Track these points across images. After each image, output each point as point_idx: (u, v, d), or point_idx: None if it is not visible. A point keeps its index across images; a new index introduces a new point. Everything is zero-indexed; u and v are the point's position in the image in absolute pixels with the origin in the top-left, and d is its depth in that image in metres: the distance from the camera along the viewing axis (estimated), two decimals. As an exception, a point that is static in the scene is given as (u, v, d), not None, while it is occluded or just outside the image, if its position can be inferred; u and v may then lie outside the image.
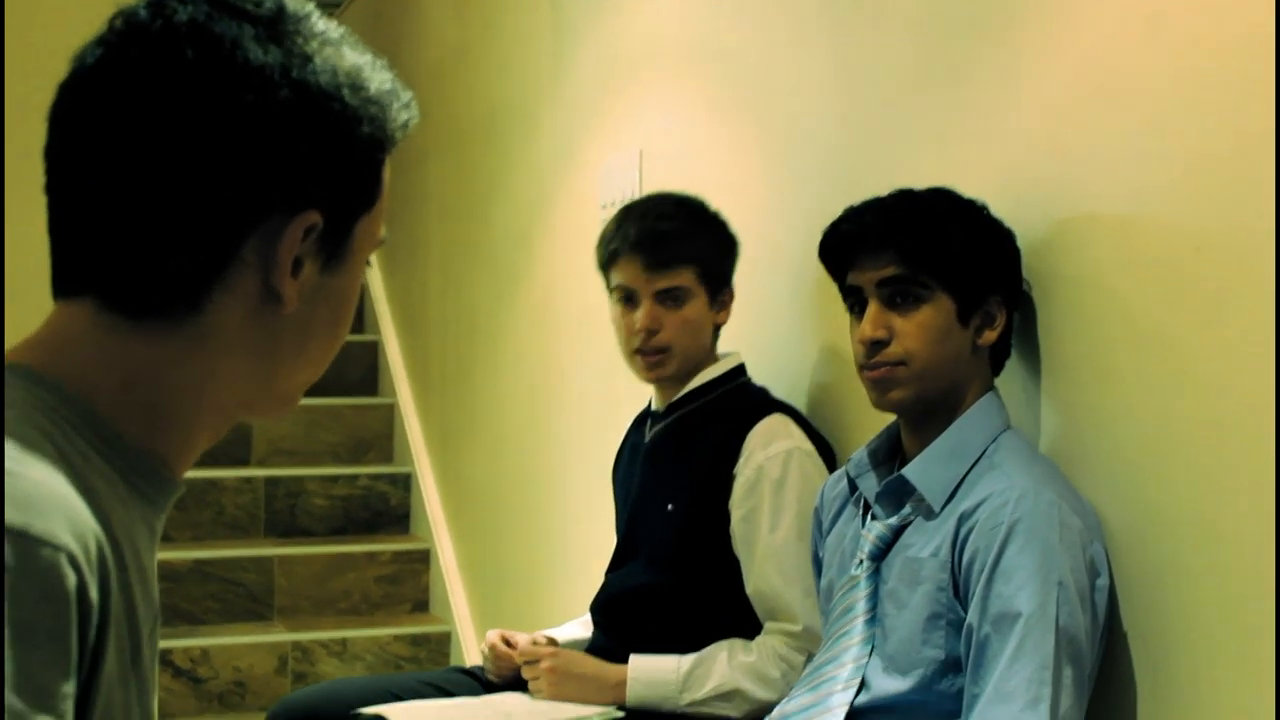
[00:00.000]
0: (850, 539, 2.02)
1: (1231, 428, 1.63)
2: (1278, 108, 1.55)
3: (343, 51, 1.01)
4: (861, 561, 1.95)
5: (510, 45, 4.25)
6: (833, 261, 2.00)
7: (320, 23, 1.00)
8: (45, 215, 0.98)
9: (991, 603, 1.73)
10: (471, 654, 4.48)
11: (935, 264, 1.89)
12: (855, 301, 1.97)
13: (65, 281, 0.98)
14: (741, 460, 2.38)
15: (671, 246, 2.46)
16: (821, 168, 2.54)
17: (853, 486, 2.05)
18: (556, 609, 3.62)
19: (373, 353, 5.77)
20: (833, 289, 2.05)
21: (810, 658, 2.21)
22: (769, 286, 2.70)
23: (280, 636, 4.59)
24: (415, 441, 5.26)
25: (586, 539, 3.53)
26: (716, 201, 2.62)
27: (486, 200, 4.47)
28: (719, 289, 2.51)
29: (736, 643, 2.36)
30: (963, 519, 1.81)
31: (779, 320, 2.68)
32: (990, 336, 1.92)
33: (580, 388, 3.64)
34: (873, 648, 1.92)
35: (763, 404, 2.45)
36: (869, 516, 1.98)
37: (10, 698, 0.78)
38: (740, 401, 2.47)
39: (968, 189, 1.96)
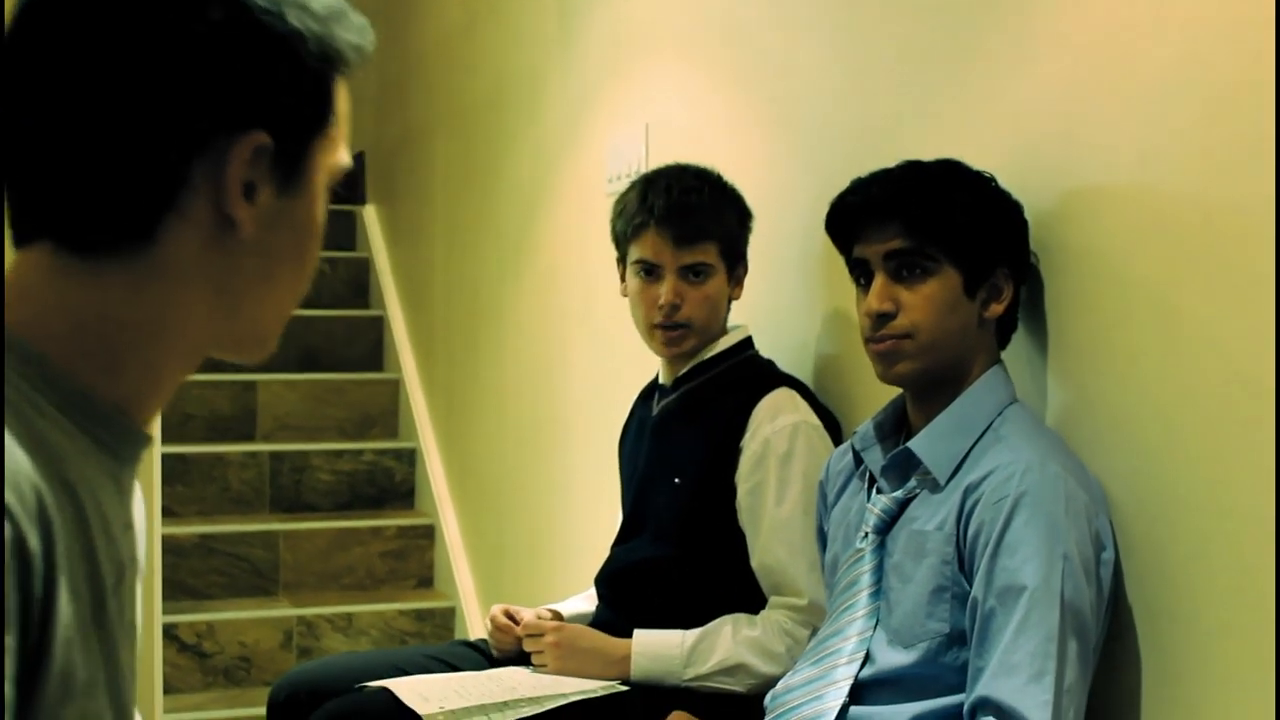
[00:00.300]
0: (855, 512, 2.01)
1: (1239, 400, 1.63)
2: (1288, 78, 1.54)
3: None
4: (866, 535, 1.95)
5: (516, 20, 4.24)
6: (839, 234, 1.99)
7: None
8: None
9: (997, 576, 1.72)
10: (476, 628, 4.48)
11: (941, 236, 1.88)
12: (862, 274, 1.96)
13: (20, 229, 0.96)
14: (748, 434, 2.37)
15: (699, 221, 2.45)
16: (828, 140, 2.53)
17: (858, 460, 2.04)
18: (561, 583, 3.62)
19: (378, 328, 5.77)
20: (839, 261, 2.04)
21: (815, 632, 2.21)
22: (776, 259, 2.69)
23: (285, 611, 4.60)
24: (420, 417, 5.26)
25: (591, 513, 3.53)
26: (723, 174, 2.61)
27: (492, 175, 4.46)
28: (736, 264, 2.51)
29: (741, 617, 2.36)
30: (968, 492, 1.80)
31: (786, 293, 2.67)
32: (997, 309, 1.91)
33: (585, 362, 3.63)
34: (877, 621, 1.91)
35: (770, 377, 2.45)
36: (874, 490, 1.98)
37: None
38: (747, 375, 2.46)
39: (976, 161, 1.95)
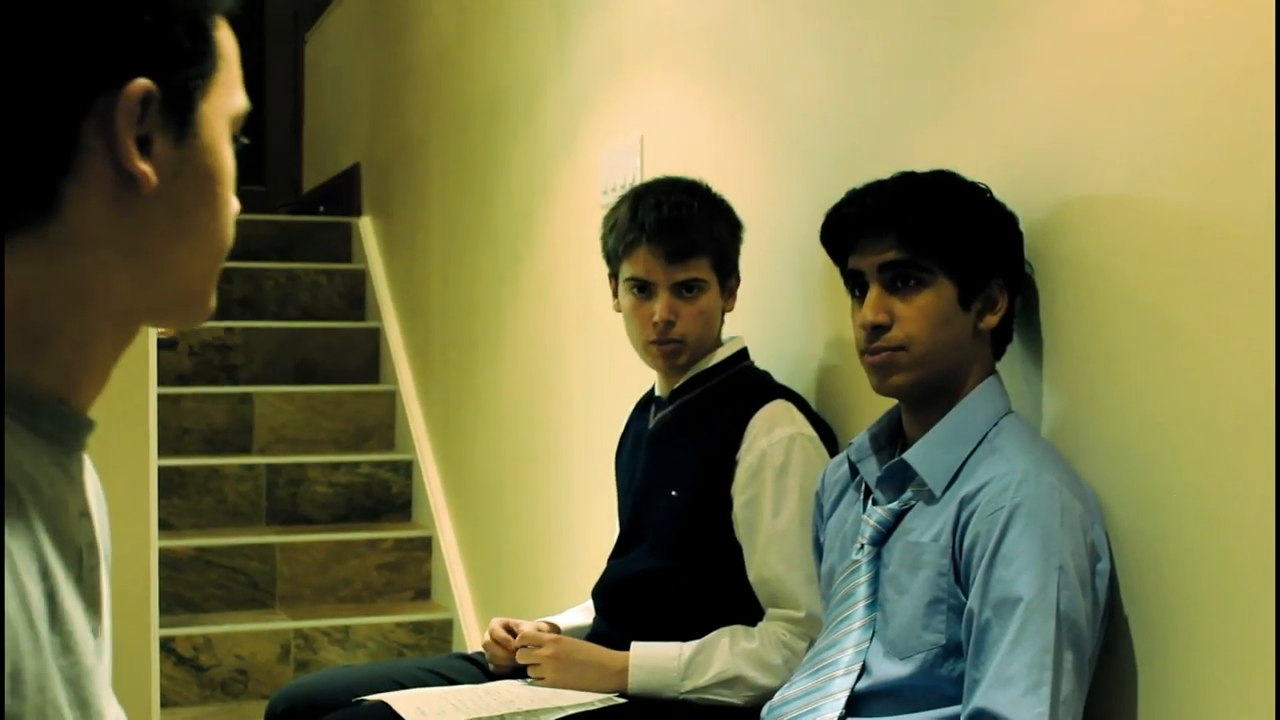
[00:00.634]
0: (851, 524, 2.01)
1: (1233, 410, 1.63)
2: (1278, 88, 1.54)
3: None
4: (862, 546, 1.95)
5: (512, 32, 4.25)
6: (834, 245, 2.00)
7: None
8: None
9: (992, 587, 1.72)
10: (473, 641, 4.48)
11: (936, 247, 1.88)
12: (856, 285, 1.96)
13: None
14: (744, 446, 2.37)
15: (690, 236, 2.44)
16: (823, 151, 2.54)
17: (854, 471, 2.04)
18: (558, 595, 3.62)
19: (374, 340, 5.77)
20: (835, 273, 2.04)
21: (812, 644, 2.21)
22: (771, 270, 2.70)
23: (282, 624, 4.60)
24: (417, 428, 5.26)
25: (588, 525, 3.53)
26: (718, 187, 2.61)
27: (488, 187, 4.46)
28: (728, 276, 2.51)
29: (738, 629, 2.36)
30: (964, 503, 1.80)
31: (781, 304, 2.68)
32: (991, 320, 1.92)
33: (581, 373, 3.64)
34: (874, 633, 1.91)
35: (765, 389, 2.45)
36: (870, 501, 1.98)
37: None
38: (743, 386, 2.46)
39: (970, 172, 1.95)
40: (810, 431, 2.39)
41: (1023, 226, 1.93)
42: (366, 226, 6.21)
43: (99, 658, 0.95)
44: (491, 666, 2.57)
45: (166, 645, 4.32)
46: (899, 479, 1.93)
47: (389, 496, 5.24)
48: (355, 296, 6.04)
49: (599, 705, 2.36)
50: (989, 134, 2.06)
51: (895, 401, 2.01)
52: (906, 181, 1.94)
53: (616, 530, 2.64)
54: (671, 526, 2.44)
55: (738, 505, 2.37)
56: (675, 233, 2.43)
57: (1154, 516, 1.75)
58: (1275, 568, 1.55)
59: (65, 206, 0.91)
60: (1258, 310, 1.59)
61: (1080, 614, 1.70)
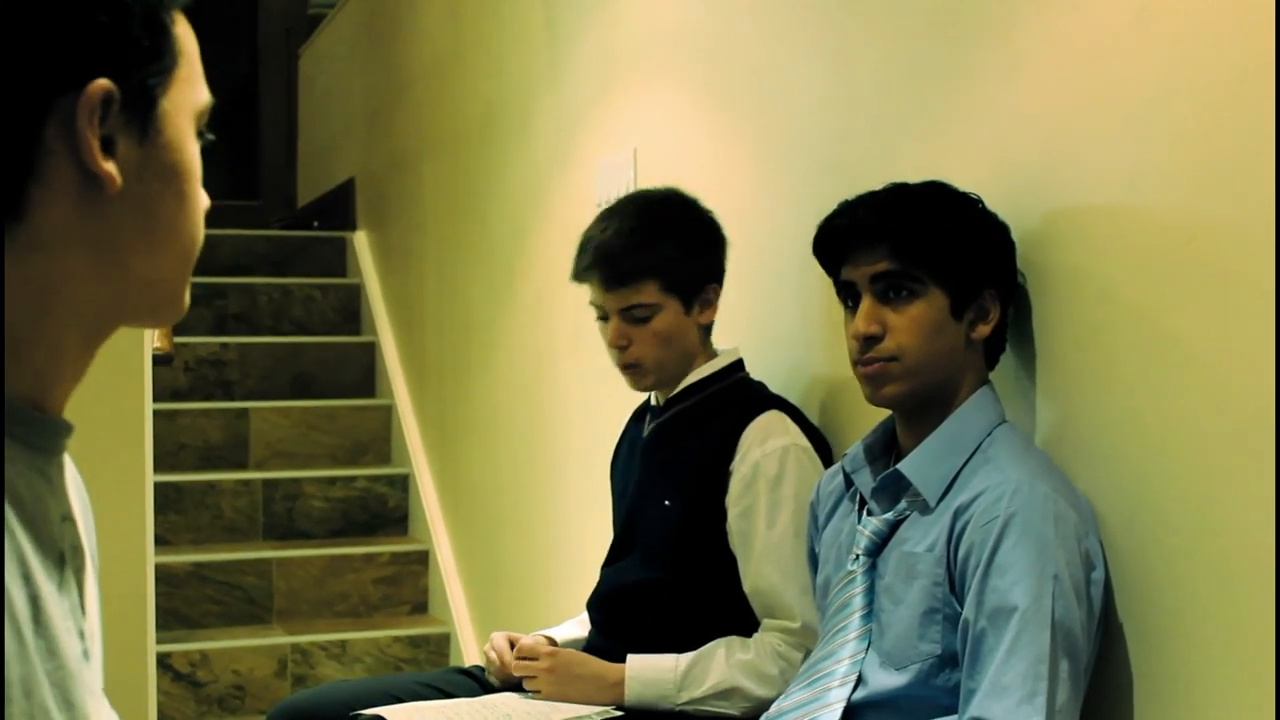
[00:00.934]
0: (846, 534, 2.02)
1: (1228, 418, 1.63)
2: (1277, 96, 1.55)
3: None
4: (858, 557, 1.95)
5: (505, 45, 4.25)
6: (827, 256, 2.00)
7: None
8: None
9: (987, 597, 1.72)
10: (471, 655, 4.48)
11: (927, 258, 1.89)
12: (849, 296, 1.97)
13: None
14: (738, 457, 2.37)
15: (626, 265, 2.42)
16: (816, 163, 2.54)
17: (848, 481, 2.05)
18: (555, 608, 3.62)
19: (369, 354, 5.77)
20: (828, 284, 2.05)
21: (808, 654, 2.21)
22: (764, 281, 2.70)
23: (279, 639, 4.59)
24: (413, 442, 5.26)
25: (585, 538, 3.53)
26: (711, 198, 2.62)
27: (482, 200, 4.47)
28: (693, 292, 2.47)
29: (734, 640, 2.36)
30: (958, 513, 1.81)
31: (775, 315, 2.68)
32: (984, 330, 1.92)
33: (576, 386, 3.64)
34: (869, 643, 1.92)
35: (759, 400, 2.45)
36: (865, 512, 1.98)
37: None
38: (737, 397, 2.46)
39: (962, 182, 1.96)
40: (804, 442, 2.39)
41: (1015, 236, 1.94)
42: (361, 241, 6.21)
43: (85, 660, 0.94)
44: (492, 679, 2.57)
45: (163, 661, 4.31)
46: (894, 489, 1.94)
47: (385, 511, 5.23)
48: (350, 311, 6.04)
49: (596, 718, 2.36)
50: (981, 144, 2.07)
51: (890, 412, 2.01)
52: (898, 192, 1.95)
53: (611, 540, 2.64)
54: (665, 536, 2.44)
55: (732, 516, 2.37)
56: (610, 262, 2.43)
57: (1148, 525, 1.75)
58: (1275, 577, 1.56)
59: (30, 210, 0.91)
60: (1251, 318, 1.59)
61: (1075, 623, 1.70)
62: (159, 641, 3.55)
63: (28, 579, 0.88)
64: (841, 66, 2.46)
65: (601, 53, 3.50)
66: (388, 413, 5.50)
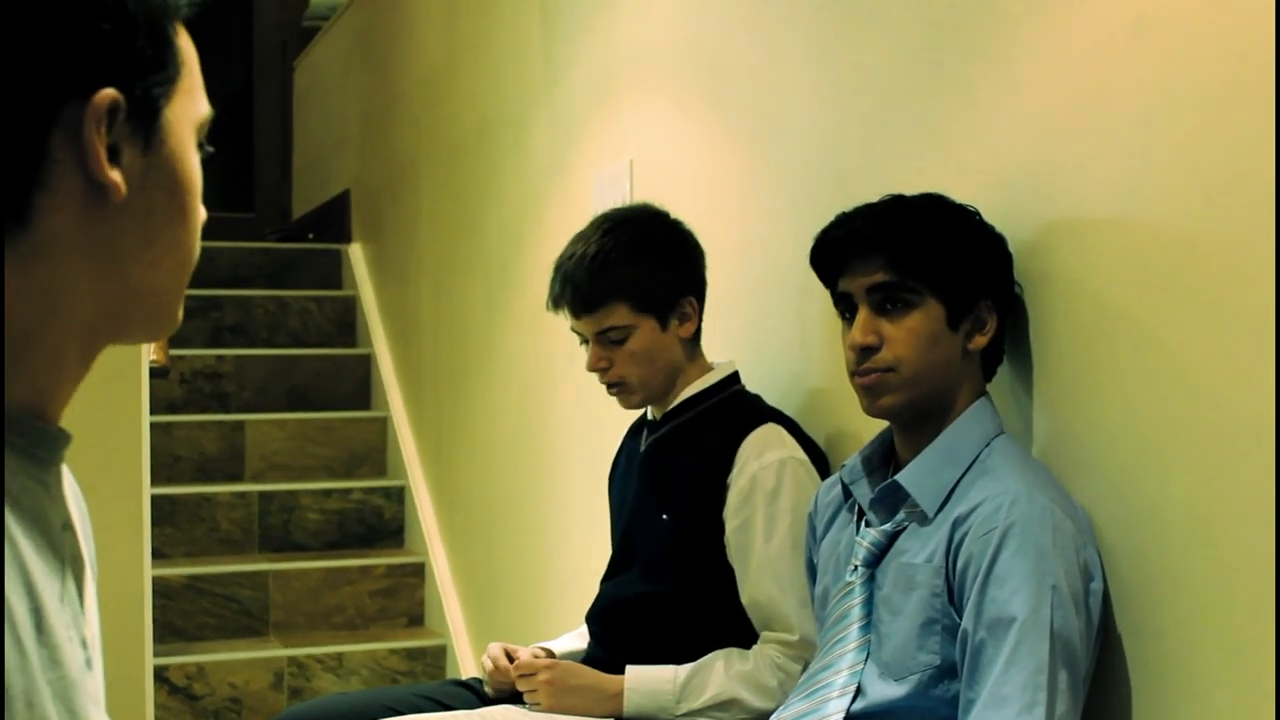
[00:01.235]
0: (845, 545, 2.02)
1: (1225, 429, 1.63)
2: (1276, 107, 1.55)
3: None
4: (856, 568, 1.95)
5: (501, 57, 4.26)
6: (824, 268, 2.00)
7: None
8: None
9: (986, 608, 1.73)
10: (467, 667, 4.47)
11: (923, 269, 1.89)
12: (846, 308, 1.97)
13: None
14: (735, 470, 2.37)
15: (592, 291, 2.43)
16: (813, 174, 2.54)
17: (847, 493, 2.05)
18: (552, 620, 3.62)
19: (365, 366, 5.77)
20: (825, 296, 2.05)
21: (807, 666, 2.21)
22: (761, 293, 2.70)
23: (276, 652, 4.59)
24: (408, 454, 5.26)
25: (581, 550, 3.53)
26: (707, 210, 2.62)
27: (478, 212, 4.47)
28: (667, 308, 2.47)
29: (733, 652, 2.36)
30: (957, 524, 1.81)
31: (772, 327, 2.68)
32: (981, 341, 1.92)
33: (573, 398, 3.64)
34: (868, 654, 1.92)
35: (756, 413, 2.45)
36: (863, 523, 1.98)
37: None
38: (734, 410, 2.47)
39: (959, 194, 1.96)
40: (801, 454, 2.39)
41: (1012, 247, 1.94)
42: (356, 253, 6.21)
43: (87, 670, 0.94)
44: (489, 691, 2.57)
45: (160, 674, 4.31)
46: (892, 500, 1.94)
47: (381, 523, 5.23)
48: (346, 323, 6.04)
49: (595, 729, 2.36)
50: (978, 156, 2.07)
51: (887, 424, 2.01)
52: (895, 204, 1.95)
53: (609, 553, 2.64)
54: (663, 550, 2.44)
55: (730, 529, 2.37)
56: (577, 289, 2.44)
57: (1146, 536, 1.75)
58: (1275, 587, 1.56)
59: (34, 217, 0.91)
60: (1248, 328, 1.59)
61: (1074, 633, 1.70)
62: (155, 654, 3.55)
63: (30, 589, 0.89)
64: (838, 79, 2.46)
65: (598, 65, 3.50)
66: (383, 425, 5.50)
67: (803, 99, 2.58)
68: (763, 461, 2.36)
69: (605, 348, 2.46)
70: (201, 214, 1.01)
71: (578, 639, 2.66)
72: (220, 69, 8.12)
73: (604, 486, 2.76)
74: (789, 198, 2.63)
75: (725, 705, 2.32)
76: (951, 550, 1.80)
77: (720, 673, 2.33)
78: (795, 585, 2.30)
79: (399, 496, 5.24)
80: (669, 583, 2.43)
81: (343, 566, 4.93)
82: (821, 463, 2.42)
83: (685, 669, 2.35)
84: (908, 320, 1.90)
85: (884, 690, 1.86)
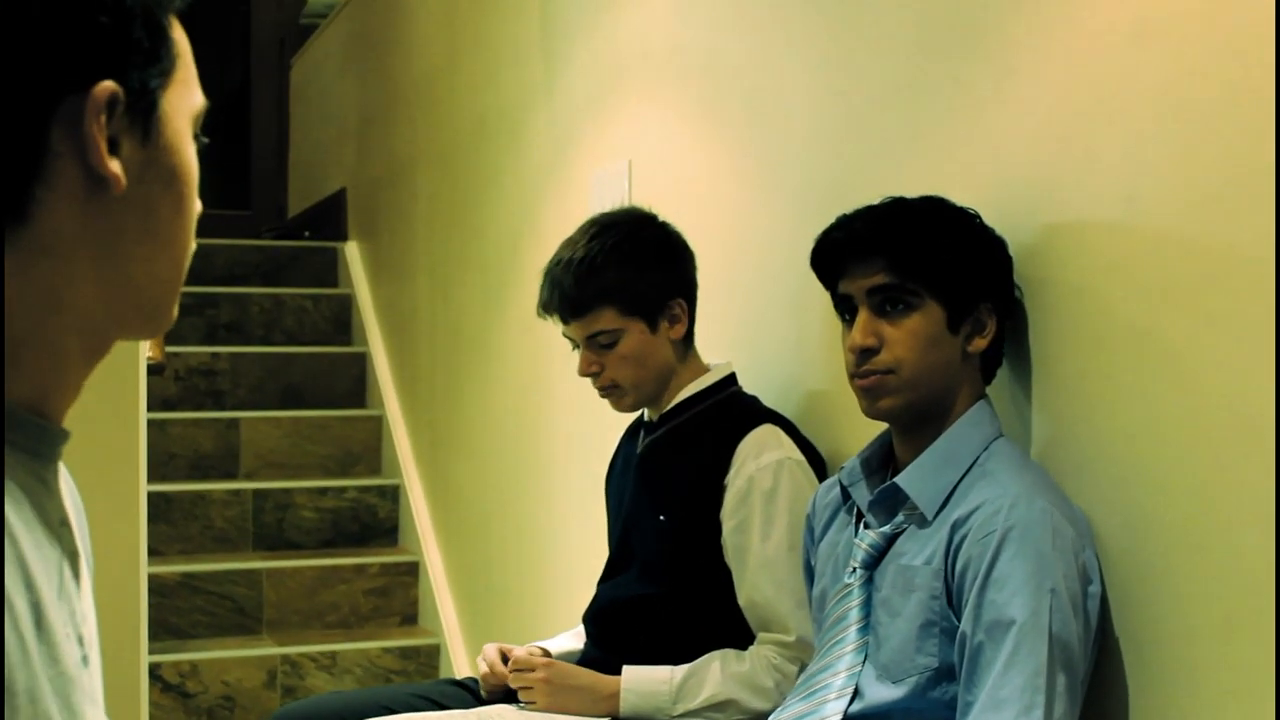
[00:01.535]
0: (843, 547, 2.02)
1: (1224, 433, 1.63)
2: (1277, 113, 1.55)
3: None
4: (854, 570, 1.95)
5: (499, 56, 4.25)
6: (824, 269, 2.00)
7: None
8: None
9: (985, 610, 1.72)
10: (461, 665, 4.47)
11: (924, 272, 1.89)
12: (846, 310, 1.97)
13: None
14: (732, 471, 2.37)
15: (579, 295, 2.44)
16: (812, 176, 2.54)
17: (845, 495, 2.05)
18: (547, 620, 3.61)
19: (360, 364, 5.77)
20: (824, 298, 2.05)
21: (803, 668, 2.21)
22: (761, 294, 2.70)
23: (269, 650, 4.58)
24: (403, 453, 5.25)
25: (576, 550, 3.52)
26: (705, 211, 2.62)
27: (476, 212, 4.46)
28: (656, 310, 2.47)
29: (729, 653, 2.36)
30: (955, 527, 1.81)
31: (770, 329, 2.68)
32: (980, 344, 1.92)
33: (569, 398, 3.63)
34: (866, 656, 1.92)
35: (753, 414, 2.45)
36: (862, 525, 1.98)
37: None
38: (731, 412, 2.47)
39: (959, 196, 1.96)
40: (798, 455, 2.39)
41: (1012, 250, 1.94)
42: (353, 251, 6.21)
43: (83, 667, 0.94)
44: (484, 692, 2.57)
45: (153, 672, 4.30)
46: (891, 503, 1.93)
47: (376, 521, 5.23)
48: (341, 321, 6.04)
49: (591, 729, 2.35)
50: (978, 158, 2.07)
51: (886, 426, 2.01)
52: (896, 207, 1.95)
53: (606, 554, 2.64)
54: (660, 551, 2.44)
55: (727, 530, 2.37)
56: (564, 294, 2.45)
57: (1144, 539, 1.75)
58: (1275, 591, 1.56)
59: (35, 212, 0.91)
60: (1248, 333, 1.59)
61: (1072, 636, 1.70)
62: (149, 652, 3.54)
63: (29, 584, 0.88)
64: (838, 81, 2.46)
65: (596, 65, 3.50)
66: (378, 423, 5.49)
67: (801, 101, 2.58)
68: (760, 462, 2.35)
69: (596, 352, 2.46)
70: (197, 206, 1.01)
71: (574, 639, 2.66)
72: (217, 66, 8.12)
73: (600, 486, 2.76)
74: (787, 199, 2.63)
75: (721, 706, 2.32)
76: (950, 552, 1.80)
77: (717, 673, 2.33)
78: (792, 586, 2.30)
79: (394, 495, 5.24)
80: (666, 584, 2.43)
81: (337, 565, 4.92)
82: (819, 464, 2.42)
83: (682, 669, 2.35)
84: (908, 322, 1.90)
85: (882, 692, 1.86)
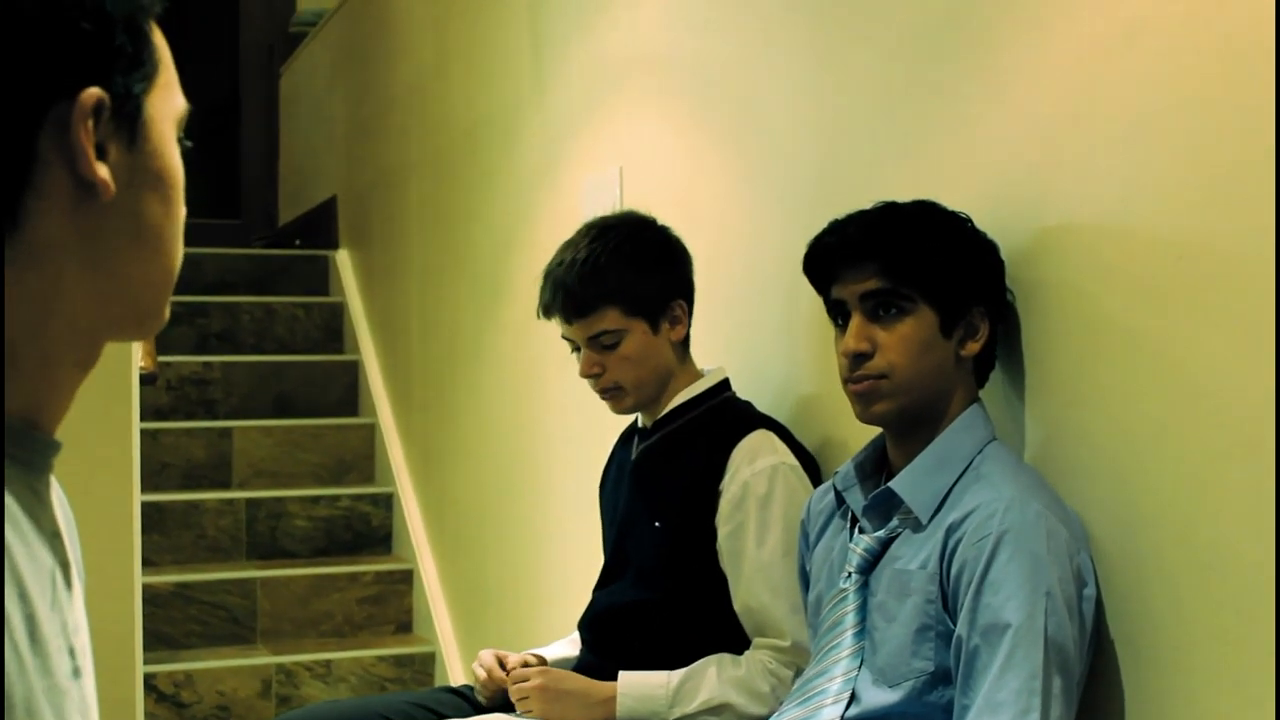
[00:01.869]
0: (838, 552, 2.02)
1: (1217, 434, 1.64)
2: (1277, 116, 1.56)
3: None
4: (850, 574, 1.95)
5: (489, 63, 4.25)
6: (817, 274, 2.01)
7: None
8: None
9: (980, 614, 1.73)
10: (456, 673, 4.46)
11: (916, 276, 1.89)
12: (839, 314, 1.97)
13: None
14: (727, 477, 2.38)
15: (584, 296, 2.44)
16: (803, 182, 2.55)
17: (840, 499, 2.05)
18: (541, 627, 3.61)
19: (353, 372, 5.76)
20: (817, 303, 2.05)
21: (799, 673, 2.21)
22: (753, 300, 2.70)
23: (263, 659, 4.57)
24: (396, 461, 5.25)
25: (570, 557, 3.52)
26: (697, 216, 2.61)
27: (467, 218, 4.46)
28: (658, 311, 2.48)
29: (725, 657, 2.36)
30: (950, 530, 1.81)
31: (764, 334, 2.68)
32: (973, 348, 1.93)
33: (562, 405, 3.63)
34: (862, 660, 1.92)
35: (747, 419, 2.45)
36: (856, 529, 1.98)
37: None
38: (725, 417, 2.47)
39: (951, 201, 1.96)
40: (792, 460, 2.39)
41: (1004, 254, 1.95)
42: (344, 259, 6.20)
43: (73, 679, 0.94)
44: (481, 698, 2.57)
45: (148, 682, 4.29)
46: (885, 507, 1.94)
47: (369, 529, 5.22)
48: (333, 329, 6.03)
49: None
50: (969, 163, 2.08)
51: (880, 430, 2.01)
52: (888, 211, 1.96)
53: (600, 561, 2.64)
54: (656, 557, 2.44)
55: (722, 536, 2.37)
56: (569, 295, 2.45)
57: (1139, 541, 1.75)
58: (1275, 594, 1.56)
59: (27, 221, 0.91)
60: (1241, 334, 1.60)
61: (1068, 639, 1.71)
62: (143, 662, 3.54)
63: (23, 597, 0.89)
64: (827, 87, 2.47)
65: (587, 71, 3.50)
66: (371, 431, 5.49)
67: (791, 106, 2.58)
68: (754, 468, 2.36)
69: (598, 353, 2.46)
70: (183, 212, 1.01)
71: (569, 646, 2.65)
72: (207, 75, 8.10)
73: (594, 493, 2.76)
74: (778, 205, 2.63)
75: (718, 710, 2.32)
76: (945, 556, 1.81)
77: (713, 678, 2.33)
78: (787, 591, 2.30)
79: (387, 503, 5.23)
80: (661, 590, 2.43)
81: (331, 573, 4.92)
82: (813, 469, 2.42)
83: (678, 674, 2.35)
84: (901, 327, 1.90)
85: (878, 696, 1.86)
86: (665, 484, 2.46)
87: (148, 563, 4.75)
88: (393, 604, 4.94)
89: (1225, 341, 1.63)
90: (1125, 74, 1.77)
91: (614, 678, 2.39)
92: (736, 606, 2.37)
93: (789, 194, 2.59)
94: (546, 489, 3.78)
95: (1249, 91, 1.58)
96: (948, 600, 1.80)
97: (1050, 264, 1.91)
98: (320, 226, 6.56)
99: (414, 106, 5.14)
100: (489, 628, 4.28)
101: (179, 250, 1.01)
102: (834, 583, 2.00)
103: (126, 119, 0.95)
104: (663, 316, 2.48)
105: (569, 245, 2.52)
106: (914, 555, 1.86)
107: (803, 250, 2.01)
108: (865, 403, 1.93)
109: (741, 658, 2.35)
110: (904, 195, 1.99)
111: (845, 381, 1.95)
